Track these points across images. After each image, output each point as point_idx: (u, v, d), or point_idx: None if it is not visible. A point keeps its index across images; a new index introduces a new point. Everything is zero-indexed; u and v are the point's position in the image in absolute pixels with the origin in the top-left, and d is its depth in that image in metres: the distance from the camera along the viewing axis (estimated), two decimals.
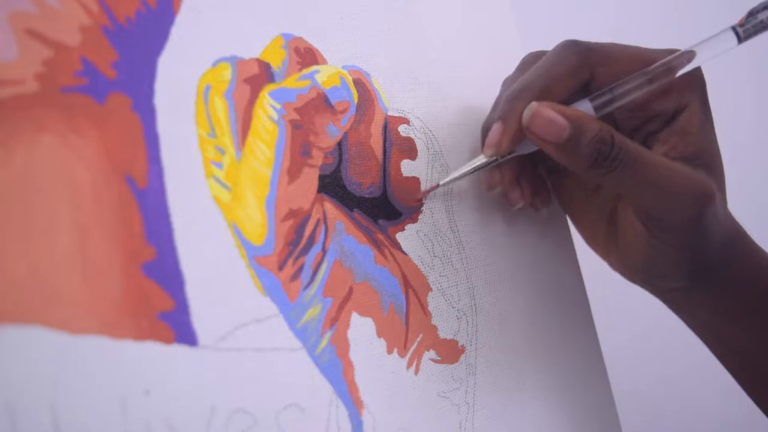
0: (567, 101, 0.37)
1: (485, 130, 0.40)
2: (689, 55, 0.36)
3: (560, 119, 0.35)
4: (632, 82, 0.36)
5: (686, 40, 0.38)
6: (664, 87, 0.37)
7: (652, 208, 0.36)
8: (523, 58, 0.40)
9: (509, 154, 0.37)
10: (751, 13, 0.35)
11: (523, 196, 0.40)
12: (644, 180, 0.35)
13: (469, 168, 0.38)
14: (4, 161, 0.24)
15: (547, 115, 0.35)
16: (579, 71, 0.36)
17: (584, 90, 0.37)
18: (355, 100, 0.35)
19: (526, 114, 0.35)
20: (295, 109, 0.33)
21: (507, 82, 0.40)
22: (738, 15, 0.35)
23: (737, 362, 0.42)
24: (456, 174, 0.38)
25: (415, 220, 0.37)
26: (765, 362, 0.40)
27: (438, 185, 0.38)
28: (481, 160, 0.37)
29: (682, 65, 0.36)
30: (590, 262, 0.46)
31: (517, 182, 0.39)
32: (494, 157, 0.37)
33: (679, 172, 0.35)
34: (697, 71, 0.38)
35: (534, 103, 0.35)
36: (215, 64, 0.31)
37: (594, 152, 0.34)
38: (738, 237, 0.39)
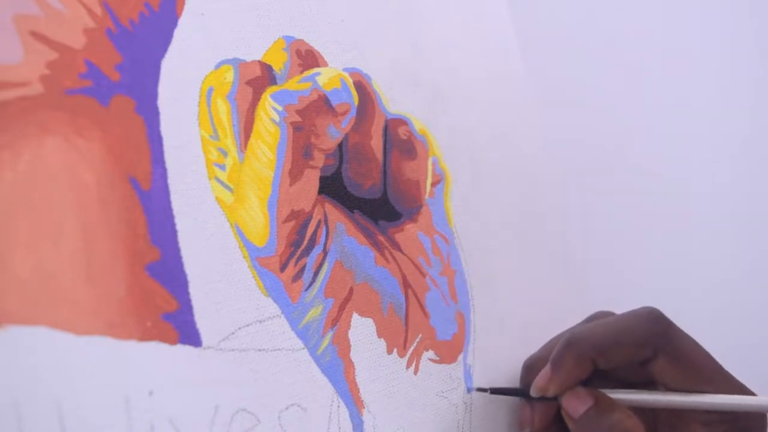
0: (621, 369, 0.36)
1: (528, 367, 0.39)
2: (759, 406, 0.34)
3: (586, 396, 0.35)
4: (683, 397, 0.34)
5: (685, 39, 0.37)
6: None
7: None
8: (596, 312, 0.39)
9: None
10: None
11: None
12: None
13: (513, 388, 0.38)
14: (10, 163, 0.24)
15: (576, 391, 0.35)
16: (642, 348, 0.35)
17: (642, 365, 0.36)
18: (356, 102, 0.36)
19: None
20: (297, 111, 0.33)
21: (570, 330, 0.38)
22: (739, 15, 0.35)
23: None
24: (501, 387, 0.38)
25: (414, 221, 0.37)
26: None
27: (487, 390, 0.38)
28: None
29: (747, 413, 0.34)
30: (590, 262, 0.46)
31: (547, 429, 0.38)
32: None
33: None
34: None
35: (579, 388, 0.35)
36: (218, 66, 0.31)
37: None
38: None
